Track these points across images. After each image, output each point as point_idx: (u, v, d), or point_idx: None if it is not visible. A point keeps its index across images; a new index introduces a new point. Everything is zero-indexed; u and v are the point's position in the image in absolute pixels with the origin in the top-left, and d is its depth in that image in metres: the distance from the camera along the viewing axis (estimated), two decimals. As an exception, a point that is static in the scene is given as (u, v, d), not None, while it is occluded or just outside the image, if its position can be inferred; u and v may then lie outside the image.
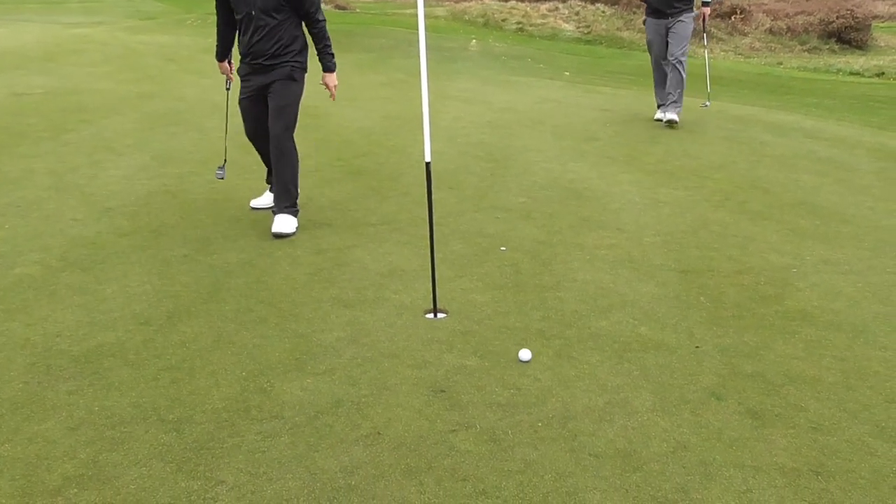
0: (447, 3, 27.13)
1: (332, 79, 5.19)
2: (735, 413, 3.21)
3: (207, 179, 5.98)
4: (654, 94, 9.20)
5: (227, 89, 5.58)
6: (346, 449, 2.92)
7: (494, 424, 3.09)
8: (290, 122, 5.12)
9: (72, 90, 9.74)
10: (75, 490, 2.66)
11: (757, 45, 22.61)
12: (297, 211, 5.23)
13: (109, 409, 3.12)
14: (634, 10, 21.73)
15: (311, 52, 5.15)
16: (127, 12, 20.31)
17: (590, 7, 23.75)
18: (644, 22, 8.92)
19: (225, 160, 5.50)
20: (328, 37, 5.10)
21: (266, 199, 5.56)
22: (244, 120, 5.30)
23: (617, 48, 19.60)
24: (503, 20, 22.55)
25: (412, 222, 5.33)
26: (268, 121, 5.12)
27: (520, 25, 21.92)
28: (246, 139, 5.43)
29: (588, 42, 20.37)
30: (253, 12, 4.90)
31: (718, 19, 23.74)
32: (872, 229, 5.54)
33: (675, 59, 8.34)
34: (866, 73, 17.87)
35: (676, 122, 8.56)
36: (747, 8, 25.13)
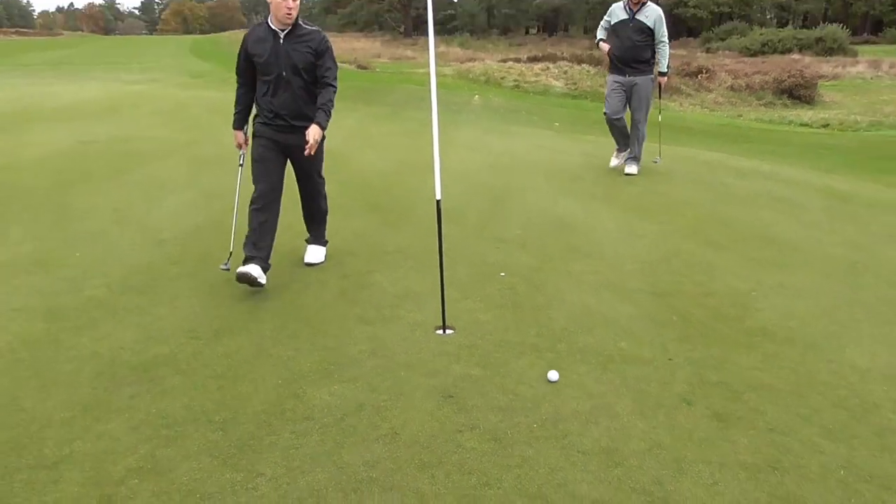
0: (454, 63, 27.38)
1: (318, 132, 4.42)
2: (703, 416, 3.21)
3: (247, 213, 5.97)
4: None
5: (241, 165, 4.87)
6: (368, 446, 2.93)
7: (496, 425, 3.10)
8: (322, 168, 4.85)
9: (130, 138, 9.81)
10: (136, 481, 2.68)
11: (720, 99, 22.70)
12: (327, 242, 5.17)
13: (165, 412, 3.14)
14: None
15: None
16: (178, 71, 20.52)
17: (576, 67, 23.95)
18: (606, 78, 8.53)
19: (231, 252, 4.76)
20: (334, 102, 4.56)
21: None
22: (260, 177, 4.57)
23: (600, 102, 19.38)
24: (502, 78, 22.71)
25: (424, 251, 5.32)
26: (280, 185, 4.64)
27: (516, 83, 22.07)
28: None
29: (575, 97, 20.49)
30: (284, 73, 4.44)
31: (687, 77, 23.89)
32: (821, 258, 5.53)
33: (636, 122, 8.07)
34: (814, 125, 17.94)
35: (635, 174, 8.24)
36: (711, 68, 25.31)
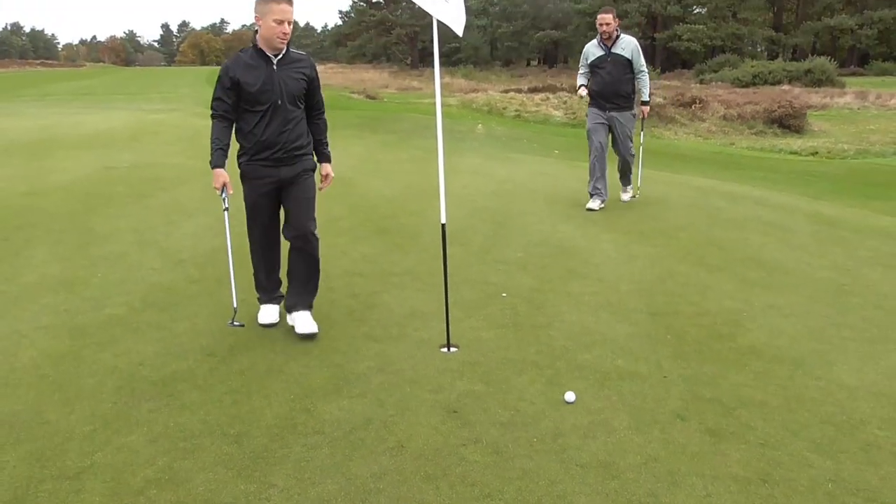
0: (458, 94, 27.57)
1: (331, 168, 4.28)
2: (696, 431, 3.22)
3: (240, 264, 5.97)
4: (617, 176, 8.25)
5: (226, 209, 4.10)
6: (376, 459, 2.94)
7: (497, 439, 3.11)
8: (314, 213, 4.18)
9: (151, 164, 9.90)
10: (155, 491, 2.70)
11: (713, 128, 22.75)
12: (311, 307, 4.31)
13: (182, 425, 3.17)
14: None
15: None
16: (195, 101, 20.67)
17: (575, 97, 23.99)
18: (587, 114, 8.00)
19: (235, 309, 4.21)
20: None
21: (271, 314, 4.36)
22: (256, 222, 4.15)
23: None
24: (504, 108, 22.83)
25: (429, 272, 5.36)
26: (278, 222, 4.18)
27: (517, 112, 22.17)
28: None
29: (574, 126, 20.55)
30: (280, 101, 3.90)
31: (681, 107, 23.96)
32: (809, 280, 5.54)
33: (625, 155, 7.86)
34: (803, 153, 17.92)
35: (625, 201, 8.17)
36: (705, 98, 25.39)
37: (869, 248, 6.56)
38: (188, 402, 3.38)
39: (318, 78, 4.15)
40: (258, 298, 4.43)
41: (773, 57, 57.41)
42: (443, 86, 4.38)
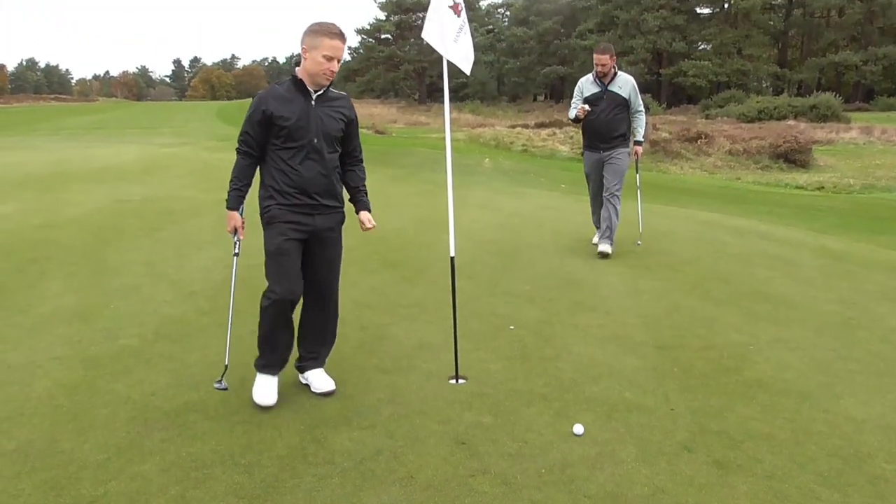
0: (465, 128, 27.84)
1: (371, 216, 3.96)
2: (704, 463, 3.23)
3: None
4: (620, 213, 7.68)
5: (236, 254, 3.84)
6: (386, 489, 2.96)
7: (506, 470, 3.13)
8: (339, 274, 3.91)
9: (162, 197, 10.04)
10: (167, 519, 2.73)
11: (719, 163, 22.88)
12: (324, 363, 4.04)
13: (194, 455, 3.20)
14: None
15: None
16: (206, 135, 20.94)
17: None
18: (582, 154, 7.78)
19: (226, 366, 3.87)
20: None
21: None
22: (281, 276, 3.60)
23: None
24: (511, 143, 23.06)
25: (438, 305, 5.39)
26: (301, 288, 3.70)
27: (524, 147, 22.40)
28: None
29: (580, 160, 20.62)
30: (316, 140, 3.54)
31: (687, 142, 24.13)
32: (815, 314, 5.56)
33: (610, 193, 7.21)
34: (809, 187, 18.01)
35: (609, 255, 7.20)
36: (711, 133, 25.57)
37: (875, 282, 6.58)
38: (200, 431, 3.41)
39: (356, 121, 3.78)
40: (257, 365, 3.82)
41: (778, 92, 57.77)
42: (450, 120, 4.43)
